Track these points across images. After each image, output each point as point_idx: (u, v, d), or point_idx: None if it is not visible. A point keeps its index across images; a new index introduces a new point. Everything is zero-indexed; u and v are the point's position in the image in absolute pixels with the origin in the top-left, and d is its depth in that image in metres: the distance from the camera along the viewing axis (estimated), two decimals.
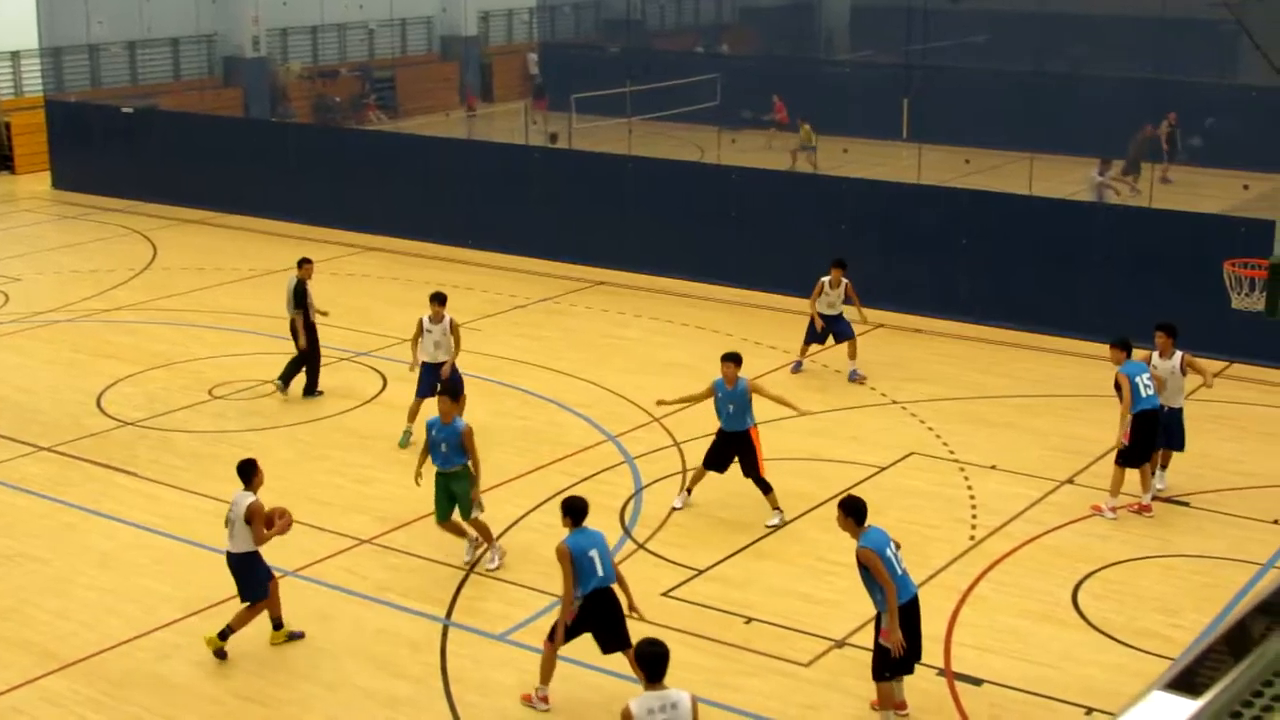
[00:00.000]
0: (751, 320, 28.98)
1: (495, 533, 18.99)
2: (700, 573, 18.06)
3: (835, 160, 40.20)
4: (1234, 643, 3.56)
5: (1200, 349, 24.70)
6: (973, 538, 18.88)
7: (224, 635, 16.14)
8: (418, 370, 22.48)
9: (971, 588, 17.55)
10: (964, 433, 22.90)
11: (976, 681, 15.53)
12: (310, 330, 24.67)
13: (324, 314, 25.13)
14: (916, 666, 14.67)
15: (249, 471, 16.41)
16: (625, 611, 15.01)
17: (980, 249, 28.58)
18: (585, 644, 15.06)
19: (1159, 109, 39.70)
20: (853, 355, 25.28)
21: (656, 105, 47.75)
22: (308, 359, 24.75)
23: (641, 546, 18.81)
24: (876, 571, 13.92)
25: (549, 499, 20.29)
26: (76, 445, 22.67)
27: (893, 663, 14.20)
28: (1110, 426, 22.15)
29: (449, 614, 17.13)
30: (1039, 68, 49.03)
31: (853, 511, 14.25)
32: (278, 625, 16.58)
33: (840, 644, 16.27)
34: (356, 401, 24.54)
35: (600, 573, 14.76)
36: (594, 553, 14.81)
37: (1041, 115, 40.27)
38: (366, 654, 16.23)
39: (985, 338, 27.40)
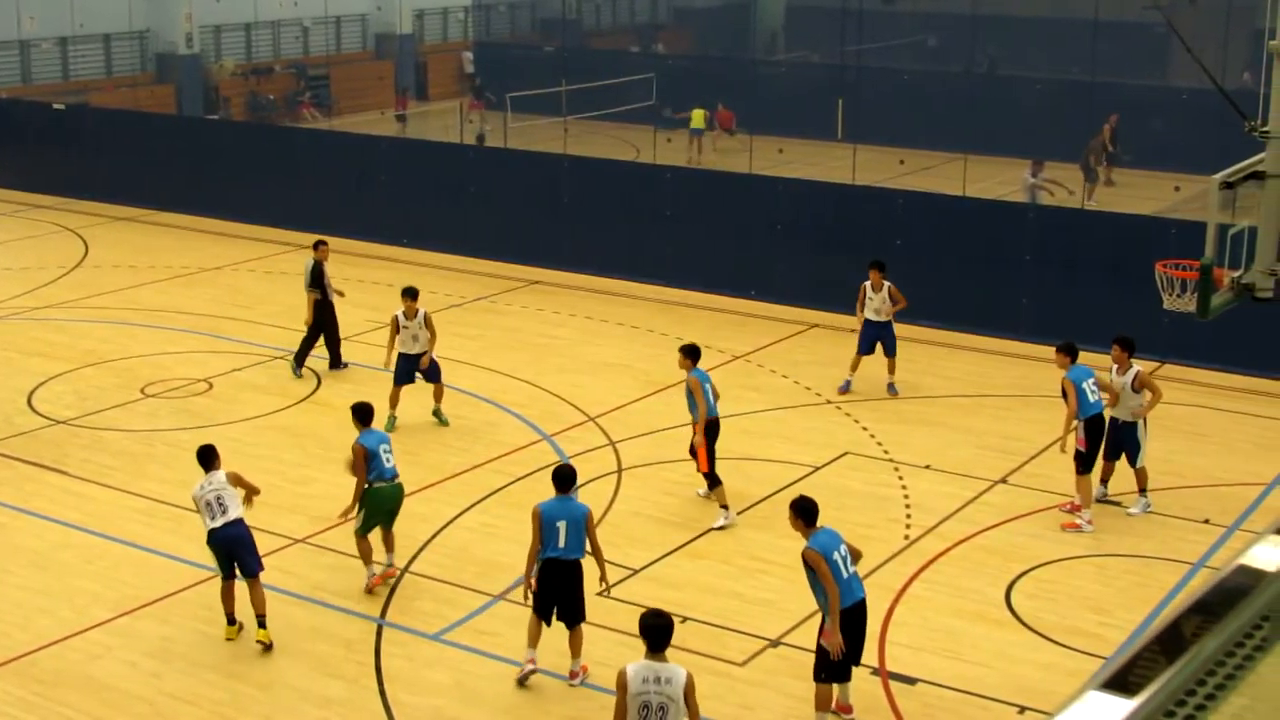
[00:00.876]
0: (686, 320, 28.99)
1: (430, 532, 19.00)
2: (635, 572, 18.07)
3: (770, 160, 40.30)
4: (1168, 642, 3.58)
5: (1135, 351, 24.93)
6: (907, 537, 18.95)
7: (263, 623, 16.31)
8: (393, 365, 23.17)
9: (906, 587, 17.61)
10: (898, 433, 22.99)
11: (911, 681, 15.60)
12: (326, 309, 25.71)
13: (340, 294, 26.15)
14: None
15: (210, 456, 16.68)
16: (599, 586, 15.32)
17: (914, 249, 28.67)
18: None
19: (1091, 111, 39.89)
20: (892, 370, 24.81)
21: (592, 104, 47.74)
22: (325, 336, 25.88)
23: None
24: (821, 574, 13.94)
25: (484, 498, 20.28)
26: (7, 444, 22.48)
27: (830, 665, 14.24)
28: (1044, 426, 22.33)
29: (383, 613, 17.08)
30: (973, 69, 49.30)
31: (802, 513, 14.34)
32: (232, 620, 16.57)
33: (775, 643, 16.30)
34: (290, 400, 24.44)
35: (561, 545, 15.02)
36: (561, 524, 15.05)
37: (975, 116, 40.44)
38: (300, 653, 16.17)
39: (919, 338, 27.50)
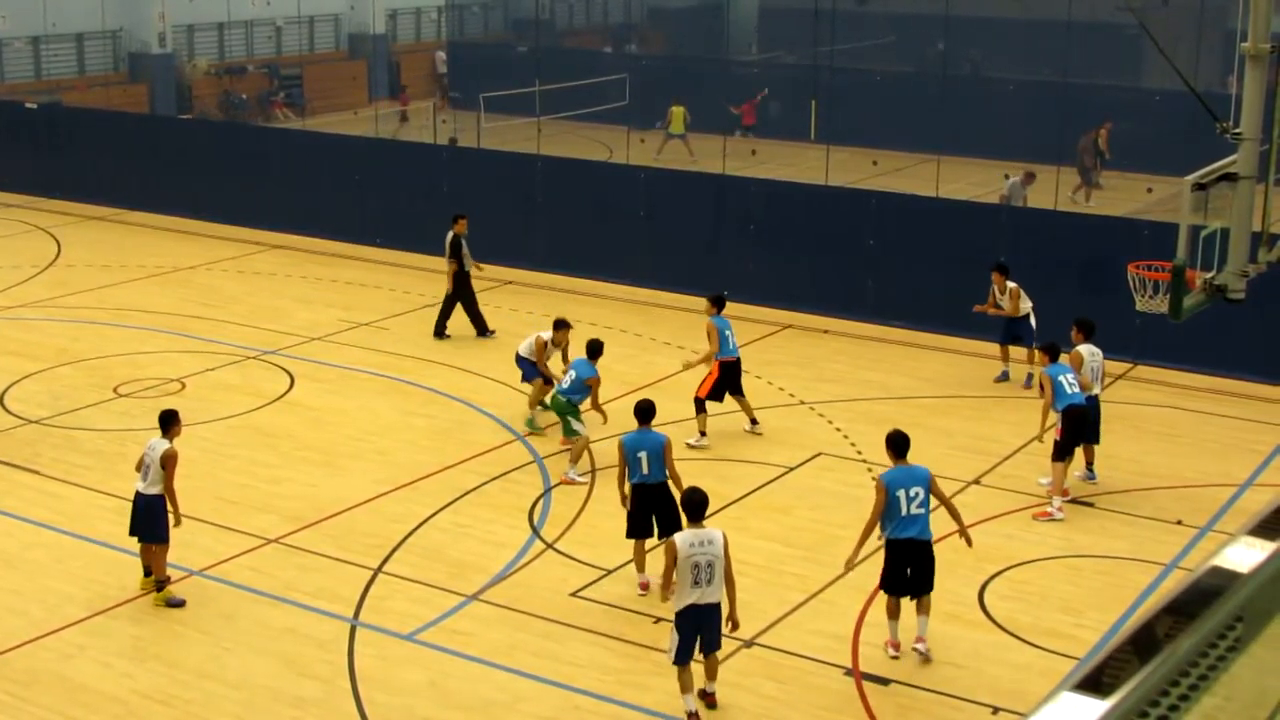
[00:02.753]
0: (659, 320, 29.01)
1: (403, 533, 19.02)
2: (609, 572, 18.07)
3: (744, 161, 40.33)
4: (1142, 643, 3.60)
5: (1104, 350, 24.98)
6: (880, 538, 18.96)
7: (161, 586, 17.19)
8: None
9: (879, 589, 17.61)
10: (872, 433, 22.97)
11: (884, 681, 15.63)
12: (463, 280, 27.76)
13: (479, 268, 28.06)
14: (827, 666, 14.86)
15: (169, 421, 17.25)
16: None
17: (887, 250, 28.72)
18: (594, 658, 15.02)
19: (1063, 112, 39.95)
20: (1032, 360, 24.93)
21: (565, 105, 47.71)
22: (464, 306, 27.85)
23: (550, 546, 18.81)
24: (875, 502, 15.84)
25: (457, 499, 20.27)
26: None
27: (886, 580, 16.04)
28: (1017, 427, 22.42)
29: (357, 613, 17.06)
30: (946, 70, 49.38)
31: (890, 444, 16.22)
32: (161, 585, 17.27)
33: (749, 644, 16.31)
34: (263, 400, 24.40)
35: (645, 471, 17.16)
36: (643, 454, 17.17)
37: (948, 118, 40.49)
38: (273, 653, 16.15)
39: (892, 339, 27.56)
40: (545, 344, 23.06)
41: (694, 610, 14.47)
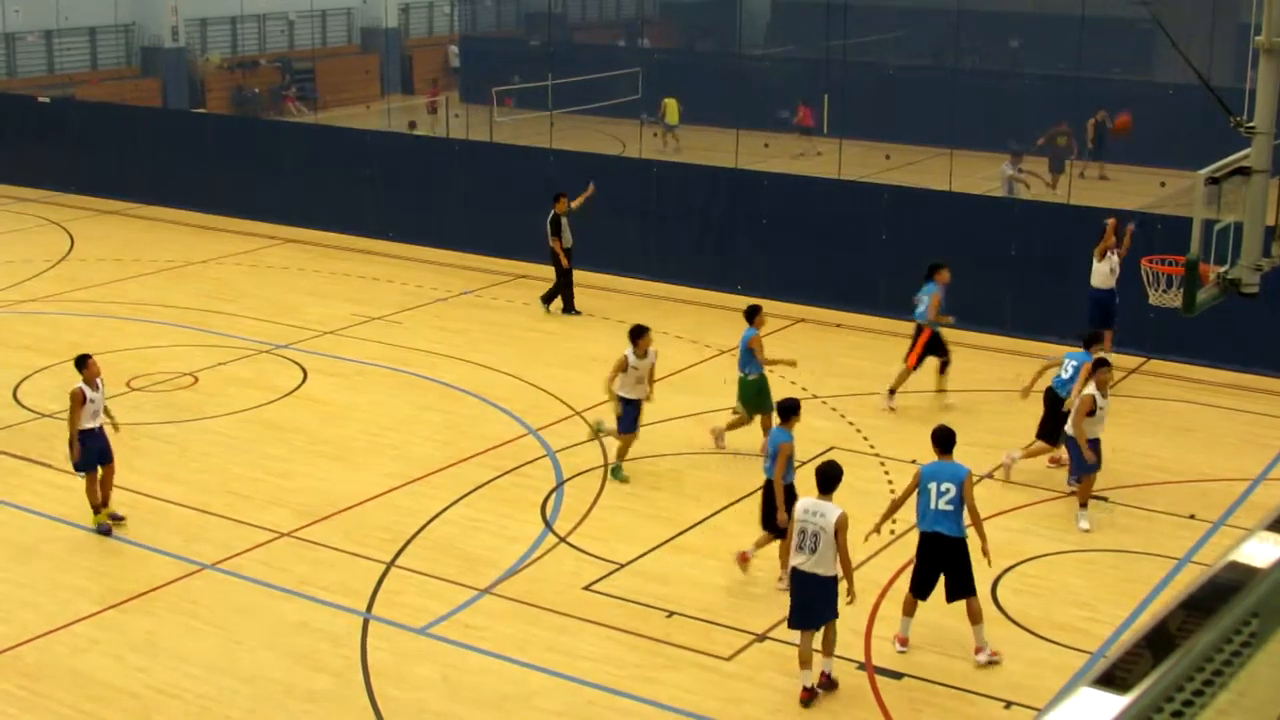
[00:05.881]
0: (671, 314, 29.01)
1: (416, 526, 19.03)
2: (622, 566, 18.07)
3: (756, 155, 40.30)
4: (1159, 640, 3.59)
5: (1118, 345, 25.00)
6: (893, 532, 18.90)
7: (97, 510, 19.08)
8: (617, 410, 20.93)
9: (892, 582, 17.62)
10: (884, 427, 23.01)
11: (897, 675, 15.62)
12: (561, 255, 28.88)
13: (566, 251, 28.90)
14: (839, 660, 14.91)
15: (81, 363, 19.24)
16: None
17: (900, 244, 28.69)
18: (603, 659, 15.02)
19: (1077, 106, 39.99)
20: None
21: (578, 99, 47.72)
22: (566, 282, 29.09)
23: (563, 540, 18.80)
24: (907, 485, 16.43)
25: (470, 492, 20.27)
26: None
27: (913, 578, 16.24)
28: (1029, 421, 22.35)
29: (369, 608, 17.06)
30: (958, 64, 49.33)
31: (934, 439, 16.48)
32: (98, 510, 19.10)
33: (761, 638, 16.31)
34: (276, 394, 24.41)
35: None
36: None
37: (961, 111, 40.43)
38: (286, 648, 16.15)
39: (906, 333, 27.50)
40: (625, 361, 20.68)
41: (796, 574, 15.06)
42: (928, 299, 23.62)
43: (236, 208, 37.29)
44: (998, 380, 25.20)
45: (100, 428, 19.04)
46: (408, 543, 18.71)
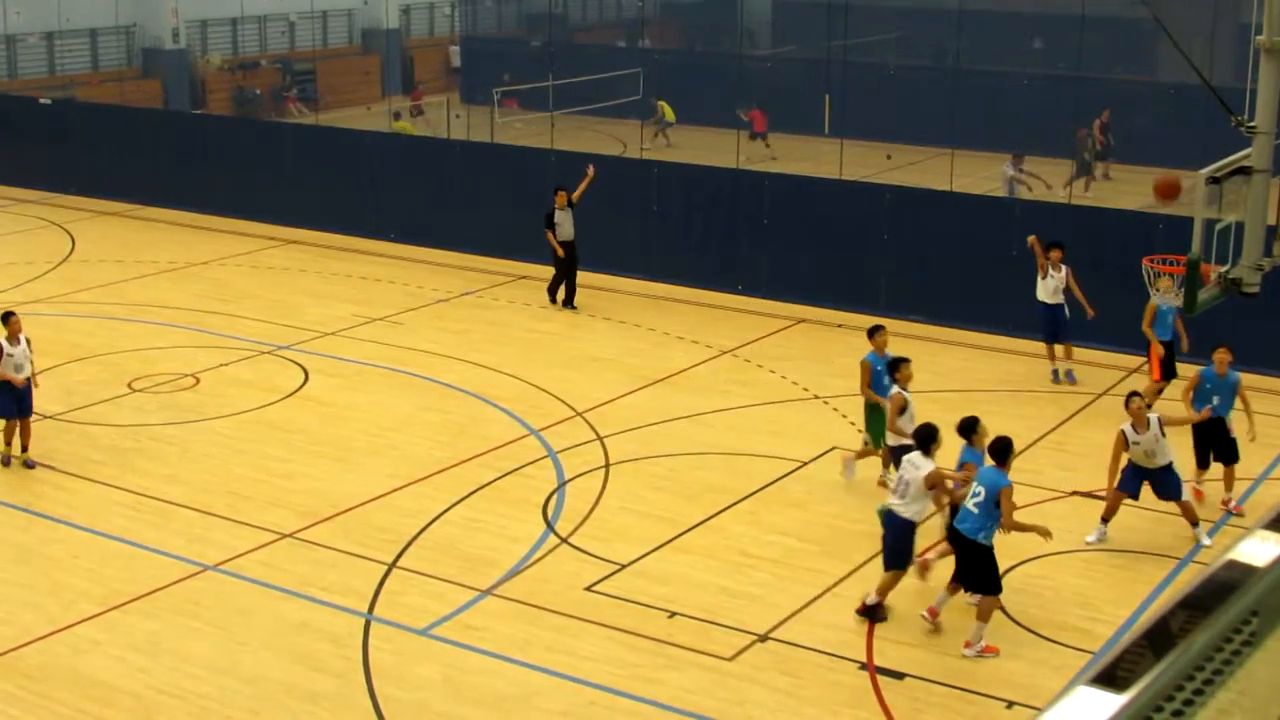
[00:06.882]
0: (673, 314, 29.00)
1: (417, 527, 19.04)
2: (623, 567, 18.07)
3: (758, 155, 40.27)
4: (1158, 638, 3.59)
5: (1120, 345, 24.99)
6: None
7: (8, 445, 21.26)
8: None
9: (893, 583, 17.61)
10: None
11: (899, 675, 15.61)
12: (566, 248, 29.25)
13: (566, 245, 29.20)
14: (841, 660, 14.88)
15: (5, 319, 21.14)
16: None
17: (901, 244, 28.68)
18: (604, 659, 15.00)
19: (1078, 106, 39.96)
20: (1069, 355, 25.24)
21: (579, 99, 47.71)
22: (564, 275, 29.44)
23: (565, 541, 18.80)
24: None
25: (471, 493, 20.27)
26: None
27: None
28: (1030, 421, 22.35)
29: (371, 608, 17.07)
30: (960, 64, 49.32)
31: (991, 450, 16.34)
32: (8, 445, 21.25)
33: (763, 638, 16.31)
34: (277, 395, 24.41)
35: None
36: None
37: (962, 111, 40.41)
38: (287, 648, 16.16)
39: (906, 332, 27.47)
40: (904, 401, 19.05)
41: (886, 513, 16.62)
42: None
43: (237, 209, 37.27)
44: (996, 379, 25.18)
45: (29, 383, 21.20)
46: (409, 543, 18.71)
